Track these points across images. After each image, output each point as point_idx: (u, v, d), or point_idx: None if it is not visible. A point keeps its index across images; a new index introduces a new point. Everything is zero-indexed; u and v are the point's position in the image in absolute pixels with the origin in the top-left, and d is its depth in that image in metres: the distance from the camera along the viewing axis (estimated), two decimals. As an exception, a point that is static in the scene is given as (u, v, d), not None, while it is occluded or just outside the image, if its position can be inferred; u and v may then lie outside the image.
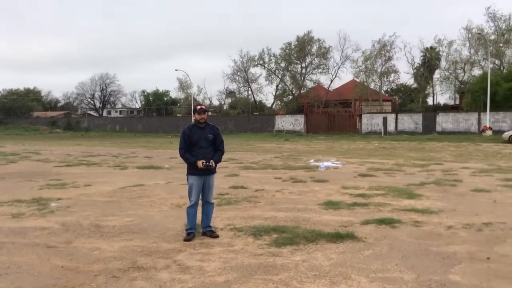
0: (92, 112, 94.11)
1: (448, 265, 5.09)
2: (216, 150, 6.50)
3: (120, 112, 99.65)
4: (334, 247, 5.82)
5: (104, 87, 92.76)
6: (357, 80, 58.22)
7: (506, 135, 32.04)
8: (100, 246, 5.99)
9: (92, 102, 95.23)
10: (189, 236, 6.31)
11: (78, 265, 5.19)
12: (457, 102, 58.05)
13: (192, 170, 6.35)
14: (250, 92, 66.46)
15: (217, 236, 6.36)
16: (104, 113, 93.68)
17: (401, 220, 7.24)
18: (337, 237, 6.18)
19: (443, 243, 5.99)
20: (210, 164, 6.26)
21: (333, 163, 14.45)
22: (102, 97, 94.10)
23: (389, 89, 63.28)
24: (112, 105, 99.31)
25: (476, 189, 10.42)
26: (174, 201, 9.37)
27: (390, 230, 6.69)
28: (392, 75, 57.48)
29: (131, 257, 5.50)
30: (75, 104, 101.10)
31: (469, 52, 52.90)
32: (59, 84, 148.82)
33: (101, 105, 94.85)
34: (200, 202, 6.53)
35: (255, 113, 61.45)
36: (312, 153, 23.56)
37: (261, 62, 62.69)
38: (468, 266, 5.04)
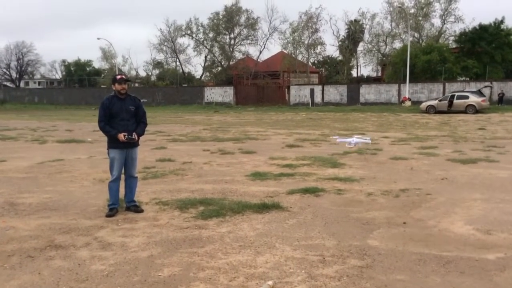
0: (8, 84, 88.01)
1: (367, 231, 5.30)
2: (139, 123, 6.25)
3: (39, 83, 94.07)
4: (260, 218, 5.87)
5: (21, 56, 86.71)
6: (285, 52, 58.68)
7: (423, 105, 33.80)
8: (14, 225, 5.64)
9: (8, 72, 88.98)
10: (112, 211, 6.09)
11: (-11, 246, 4.86)
12: (379, 74, 60.36)
13: (113, 143, 6.09)
14: (178, 63, 65.11)
15: (141, 211, 6.20)
16: (22, 84, 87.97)
17: (324, 189, 7.43)
18: (263, 207, 6.23)
19: (363, 210, 6.23)
20: (133, 137, 6.02)
21: (363, 138, 14.34)
22: (18, 67, 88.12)
23: (316, 61, 64.45)
24: (30, 75, 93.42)
25: (395, 157, 10.93)
26: (97, 175, 9.02)
27: (314, 199, 6.85)
28: (319, 47, 58.51)
29: (48, 236, 5.23)
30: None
31: (391, 25, 54.93)
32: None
33: (17, 76, 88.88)
34: (123, 176, 6.30)
35: (184, 85, 60.37)
36: (242, 124, 23.61)
37: (189, 32, 61.38)
38: (386, 231, 5.28)
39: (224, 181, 8.31)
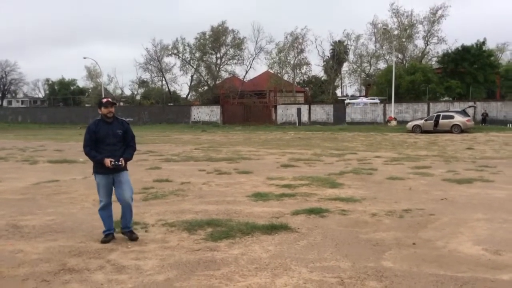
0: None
1: (379, 252, 5.35)
2: (127, 147, 6.01)
3: (22, 102, 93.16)
4: (270, 239, 5.88)
5: (4, 75, 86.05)
6: (271, 71, 59.21)
7: (409, 125, 34.31)
8: (22, 248, 5.56)
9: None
10: (107, 237, 5.87)
11: (1, 270, 4.78)
12: (364, 93, 61.17)
13: (98, 168, 5.85)
14: (164, 82, 65.13)
15: (136, 238, 5.88)
16: (4, 103, 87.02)
17: (328, 209, 7.48)
18: (271, 228, 6.25)
19: (370, 230, 6.29)
20: (119, 163, 5.77)
21: (370, 98, 14.64)
22: (1, 86, 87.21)
23: (301, 81, 65.10)
24: (13, 94, 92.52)
25: (391, 177, 11.05)
26: (96, 197, 8.60)
27: (320, 220, 6.89)
28: (304, 67, 59.22)
29: (59, 259, 5.17)
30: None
31: (375, 46, 55.96)
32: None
33: (0, 95, 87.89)
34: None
35: (170, 104, 60.33)
36: (232, 144, 23.64)
37: (175, 51, 61.56)
38: (398, 252, 5.33)
39: (226, 202, 8.31)
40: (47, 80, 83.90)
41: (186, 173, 12.15)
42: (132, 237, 5.91)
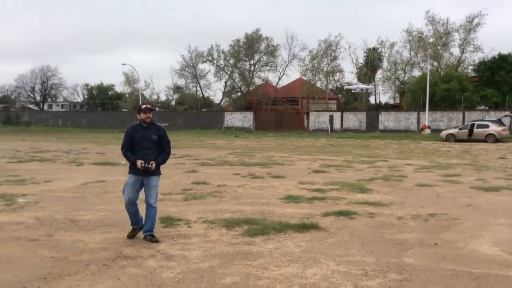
0: (31, 106, 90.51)
1: (402, 250, 5.82)
2: (161, 152, 6.38)
3: (62, 106, 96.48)
4: (301, 236, 6.43)
5: (45, 80, 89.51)
6: (304, 78, 59.60)
7: (443, 133, 34.15)
8: (82, 239, 6.30)
9: (32, 95, 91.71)
10: (134, 231, 6.32)
11: (66, 256, 5.51)
12: (398, 101, 60.82)
13: (131, 169, 6.30)
14: (198, 88, 66.51)
15: (156, 241, 6.11)
16: (45, 107, 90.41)
17: (357, 212, 7.97)
18: (302, 227, 6.80)
19: (396, 232, 6.76)
20: (149, 166, 6.13)
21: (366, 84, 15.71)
22: (43, 90, 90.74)
23: (334, 88, 65.30)
24: (53, 98, 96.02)
25: (420, 184, 11.41)
26: (142, 195, 9.64)
27: (348, 221, 7.39)
28: (337, 74, 59.36)
29: (115, 248, 5.87)
30: (13, 97, 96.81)
31: (410, 53, 55.59)
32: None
33: (41, 99, 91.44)
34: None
35: (203, 109, 61.56)
36: (265, 150, 24.26)
37: (210, 58, 62.76)
38: (419, 251, 5.80)
39: (261, 203, 8.90)
40: (86, 85, 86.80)
41: (222, 177, 12.80)
42: (153, 240, 6.17)
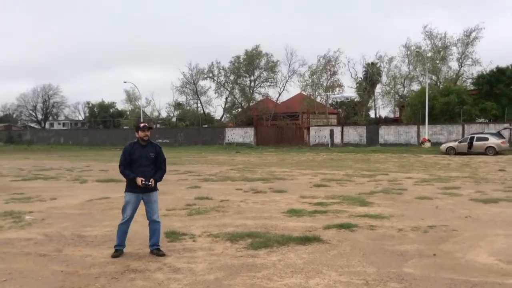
0: (33, 125, 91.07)
1: (402, 261, 6.00)
2: (158, 169, 6.53)
3: (64, 124, 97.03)
4: (303, 249, 6.61)
5: (47, 98, 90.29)
6: (304, 93, 60.06)
7: (443, 147, 34.36)
8: (90, 253, 6.47)
9: (33, 114, 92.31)
10: (117, 253, 6.33)
11: (76, 270, 5.68)
12: (397, 115, 61.16)
13: (130, 187, 6.38)
14: (199, 105, 66.96)
15: (163, 255, 6.28)
16: (47, 125, 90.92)
17: (358, 225, 8.15)
18: (305, 240, 6.98)
19: (396, 243, 6.93)
20: (149, 183, 6.29)
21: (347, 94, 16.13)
22: (44, 109, 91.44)
23: (334, 102, 65.70)
24: (55, 117, 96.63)
25: (420, 196, 11.59)
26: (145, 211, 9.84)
27: (349, 233, 7.57)
28: (337, 89, 59.81)
29: (123, 262, 6.04)
30: (14, 116, 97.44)
31: (408, 68, 56.11)
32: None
33: (43, 117, 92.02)
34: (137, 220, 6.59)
35: (204, 126, 61.91)
36: (266, 165, 24.45)
37: (211, 75, 63.37)
38: (419, 261, 5.97)
39: (263, 217, 9.07)
40: (88, 103, 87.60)
41: (224, 192, 12.99)
42: (159, 253, 6.32)
